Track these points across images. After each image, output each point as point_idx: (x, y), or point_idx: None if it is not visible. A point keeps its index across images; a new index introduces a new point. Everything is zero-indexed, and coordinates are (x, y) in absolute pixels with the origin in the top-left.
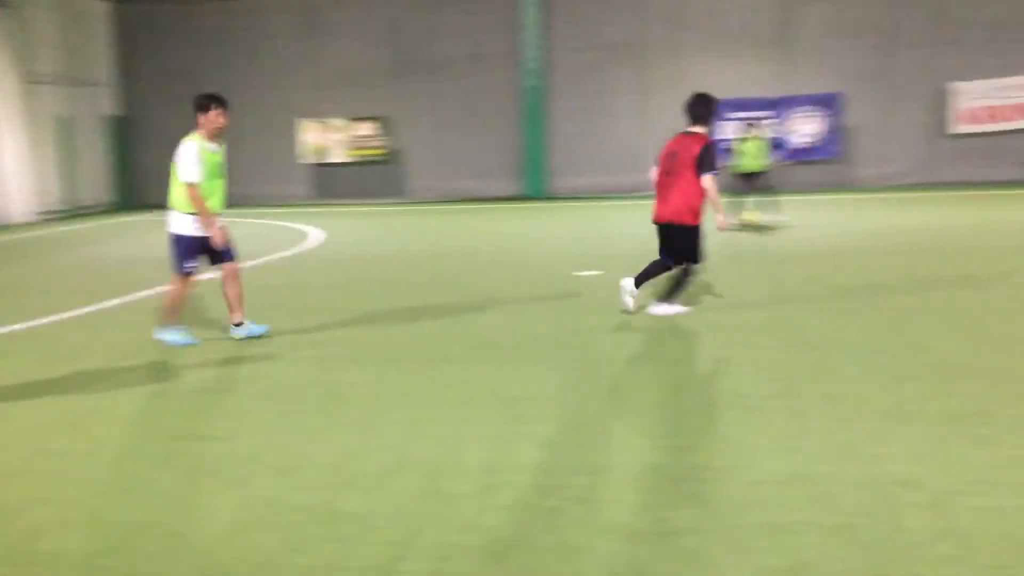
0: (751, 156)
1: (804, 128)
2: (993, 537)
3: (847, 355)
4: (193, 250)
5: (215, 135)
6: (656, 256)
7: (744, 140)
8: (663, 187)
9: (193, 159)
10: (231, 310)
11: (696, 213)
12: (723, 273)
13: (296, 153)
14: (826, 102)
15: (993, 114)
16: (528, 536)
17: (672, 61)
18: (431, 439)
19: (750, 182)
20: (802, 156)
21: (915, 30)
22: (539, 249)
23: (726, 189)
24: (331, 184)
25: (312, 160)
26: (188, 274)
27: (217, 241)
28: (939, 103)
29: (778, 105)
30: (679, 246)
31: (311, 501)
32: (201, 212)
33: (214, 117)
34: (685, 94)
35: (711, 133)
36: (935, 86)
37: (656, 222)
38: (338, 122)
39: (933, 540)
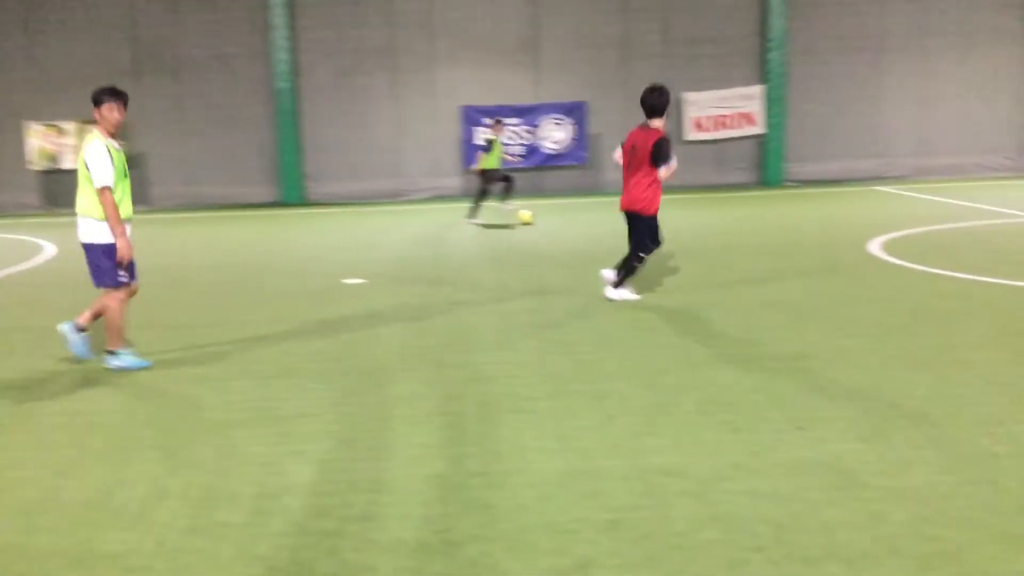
0: (493, 157)
1: (554, 135)
2: (751, 520)
3: (608, 353)
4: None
5: (115, 132)
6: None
7: (490, 141)
8: (626, 178)
9: (105, 161)
10: (84, 318)
11: (651, 203)
12: (484, 274)
13: (25, 159)
14: (572, 110)
15: (718, 122)
16: (307, 562)
17: (425, 68)
18: (193, 467)
19: (489, 181)
20: (552, 162)
21: (649, 43)
22: (301, 257)
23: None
24: (63, 192)
25: (41, 167)
26: (122, 285)
27: (124, 254)
28: (675, 112)
29: (529, 113)
30: (637, 233)
31: (62, 544)
32: (112, 219)
33: (107, 112)
34: (439, 101)
35: (666, 125)
36: (671, 96)
37: (622, 210)
38: (69, 126)
39: (700, 527)
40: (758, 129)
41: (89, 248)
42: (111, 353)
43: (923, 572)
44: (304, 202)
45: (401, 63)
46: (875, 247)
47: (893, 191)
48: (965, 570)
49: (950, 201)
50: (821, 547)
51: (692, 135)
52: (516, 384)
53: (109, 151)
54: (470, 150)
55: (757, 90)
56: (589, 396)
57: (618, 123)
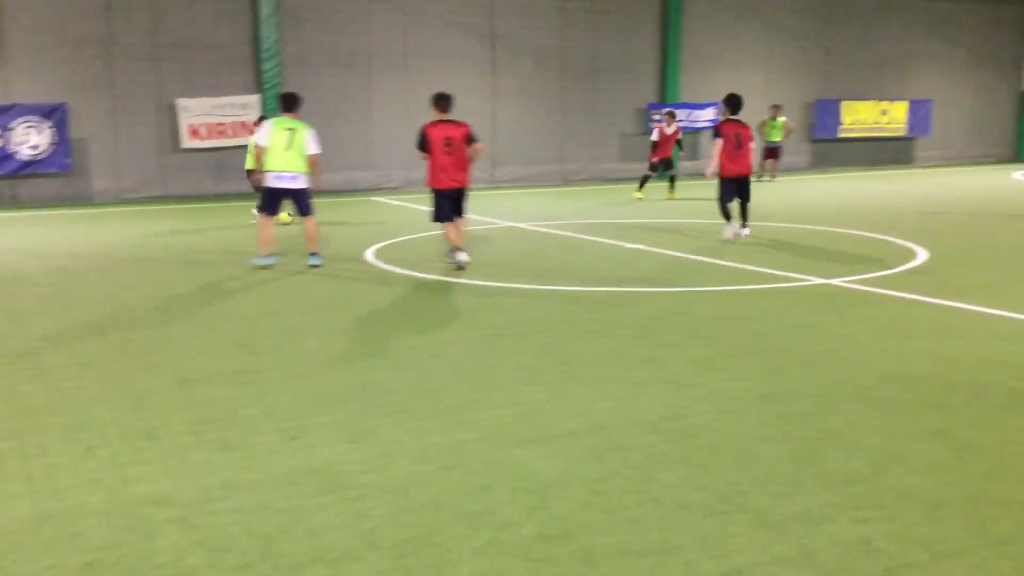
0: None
1: (29, 139)
2: (239, 538)
3: (89, 377)
4: None
5: None
6: None
7: None
8: (447, 164)
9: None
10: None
11: (468, 178)
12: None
13: None
14: (51, 113)
15: (216, 131)
16: None
17: None
18: None
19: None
20: (30, 169)
21: (136, 44)
22: None
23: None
24: None
25: None
26: None
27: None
28: (169, 118)
29: None
30: (459, 203)
31: None
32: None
33: None
34: None
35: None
36: (164, 101)
37: (445, 188)
38: None
39: (183, 554)
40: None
41: None
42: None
43: (399, 560)
44: None
45: None
46: (371, 255)
47: (389, 201)
48: (435, 551)
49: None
50: (307, 553)
51: (188, 143)
52: None
53: None
54: None
55: (254, 99)
56: (64, 428)
57: (107, 129)
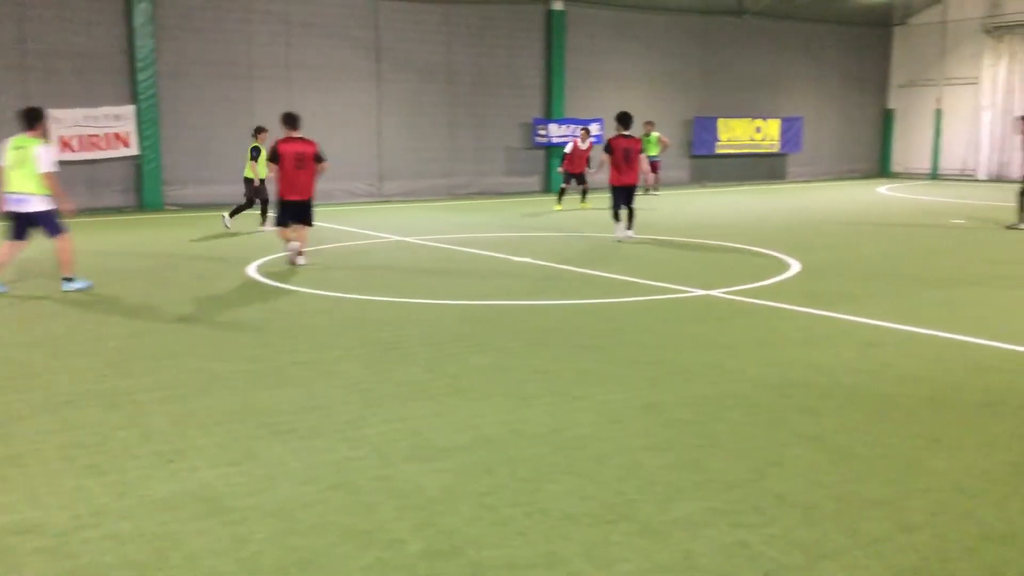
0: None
1: None
2: (113, 567)
3: None
4: None
5: None
6: None
7: (258, 148)
8: (296, 177)
9: None
10: None
11: (313, 191)
12: None
13: None
14: None
15: (88, 142)
16: None
17: None
18: None
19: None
20: None
21: (3, 52)
22: None
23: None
24: None
25: None
26: None
27: None
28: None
29: None
30: (305, 213)
31: None
32: None
33: None
34: None
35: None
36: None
37: (294, 199)
38: None
39: None
40: (132, 151)
41: None
42: None
43: None
44: None
45: None
46: (252, 270)
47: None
48: (320, 573)
49: (322, 225)
50: None
51: (60, 155)
52: None
53: None
54: None
55: (128, 110)
56: None
57: None
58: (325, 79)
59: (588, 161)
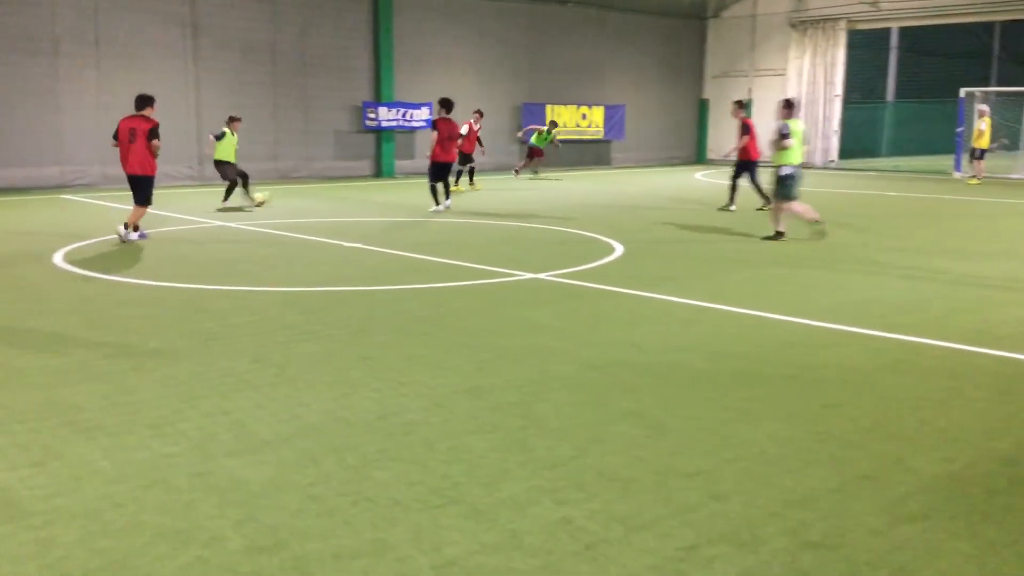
0: (227, 149)
1: None
2: None
3: None
4: None
5: None
6: None
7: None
8: (127, 151)
9: None
10: None
11: (152, 167)
12: None
13: None
14: None
15: None
16: None
17: None
18: None
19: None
20: None
21: None
22: None
23: None
24: None
25: None
26: None
27: None
28: None
29: None
30: (138, 190)
31: None
32: None
33: None
34: None
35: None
36: None
37: (128, 174)
38: None
39: None
40: None
41: None
42: None
43: None
44: None
45: None
46: (59, 258)
47: (80, 199)
48: (135, 575)
49: None
50: None
51: None
52: None
53: None
54: None
55: None
56: None
57: None
58: (136, 55)
59: (479, 140)
